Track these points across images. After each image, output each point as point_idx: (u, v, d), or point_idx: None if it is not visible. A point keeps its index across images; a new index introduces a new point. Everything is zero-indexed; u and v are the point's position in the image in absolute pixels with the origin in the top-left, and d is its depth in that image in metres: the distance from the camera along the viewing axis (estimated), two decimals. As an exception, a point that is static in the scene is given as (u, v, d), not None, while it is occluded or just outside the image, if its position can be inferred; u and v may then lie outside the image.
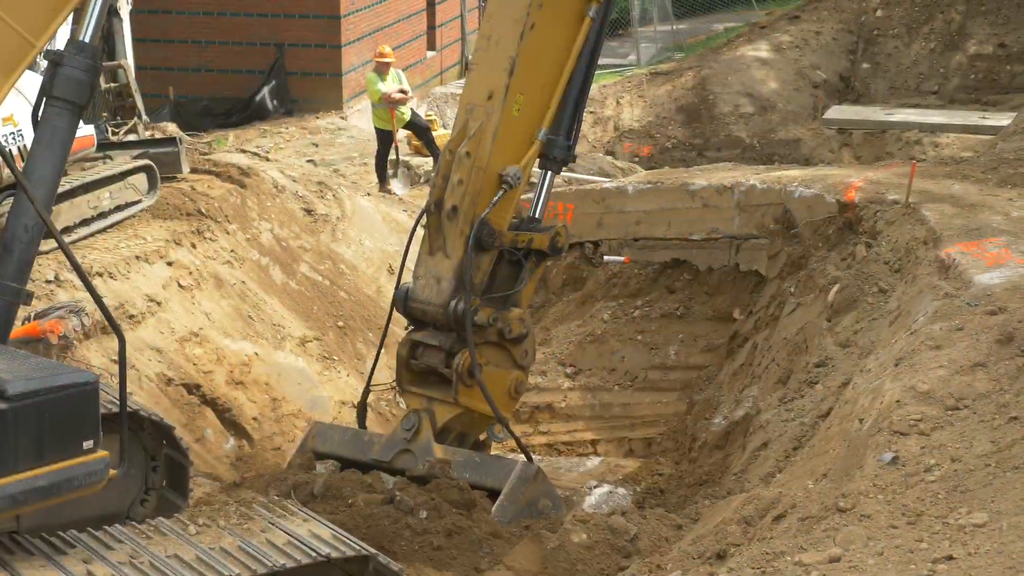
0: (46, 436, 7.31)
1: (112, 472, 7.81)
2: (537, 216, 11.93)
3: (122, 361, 7.93)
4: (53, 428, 7.34)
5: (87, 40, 8.68)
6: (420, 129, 19.42)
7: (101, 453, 7.61)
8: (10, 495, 7.20)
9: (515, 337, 11.68)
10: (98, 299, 8.03)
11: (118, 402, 9.64)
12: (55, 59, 8.48)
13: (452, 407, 11.44)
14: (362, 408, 12.56)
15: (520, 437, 12.23)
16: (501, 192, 11.34)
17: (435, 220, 11.43)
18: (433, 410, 11.47)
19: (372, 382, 12.55)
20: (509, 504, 10.86)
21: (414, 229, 12.19)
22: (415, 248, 12.04)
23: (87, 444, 7.51)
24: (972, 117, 20.84)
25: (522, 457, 11.84)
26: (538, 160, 11.83)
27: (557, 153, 11.74)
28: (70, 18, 15.04)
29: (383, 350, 12.87)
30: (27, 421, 7.21)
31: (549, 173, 11.97)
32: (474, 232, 11.19)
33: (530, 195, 12.40)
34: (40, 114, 8.55)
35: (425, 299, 11.52)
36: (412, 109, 19.32)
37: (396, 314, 12.09)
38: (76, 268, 7.97)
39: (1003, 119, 19.71)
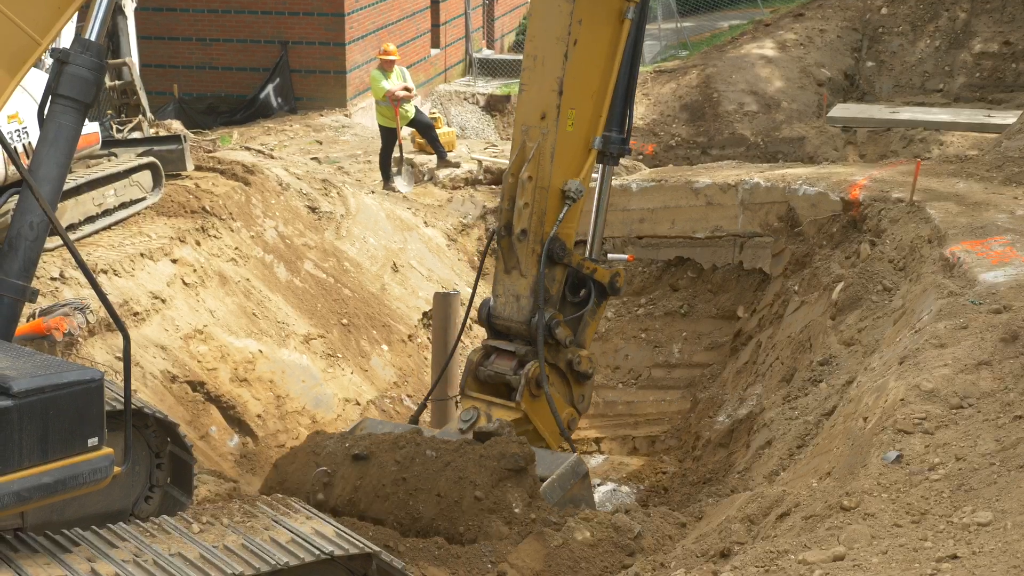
0: (51, 433, 7.33)
1: (117, 469, 7.82)
2: (599, 206, 12.39)
3: (127, 359, 7.92)
4: (58, 425, 7.34)
5: (93, 38, 8.69)
6: (423, 127, 19.43)
7: (106, 450, 7.62)
8: (15, 492, 7.21)
9: (581, 372, 12.20)
10: (103, 296, 8.03)
11: (123, 399, 9.66)
12: (61, 57, 8.47)
13: (512, 411, 11.71)
14: (420, 408, 13.20)
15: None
16: (566, 207, 11.79)
17: (506, 242, 11.86)
18: (491, 412, 11.77)
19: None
20: (559, 487, 11.02)
21: (485, 252, 13.16)
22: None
23: (92, 441, 7.52)
24: (977, 115, 20.82)
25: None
26: None
27: (612, 148, 12.05)
28: (75, 16, 15.10)
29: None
30: (32, 418, 7.22)
31: (607, 168, 12.31)
32: (546, 249, 11.70)
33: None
34: (46, 112, 8.57)
35: (507, 316, 12.03)
36: (416, 107, 19.32)
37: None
38: (81, 266, 7.96)
39: (1008, 117, 19.69)
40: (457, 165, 19.34)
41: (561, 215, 11.78)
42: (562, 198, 11.78)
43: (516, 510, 10.61)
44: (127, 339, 7.86)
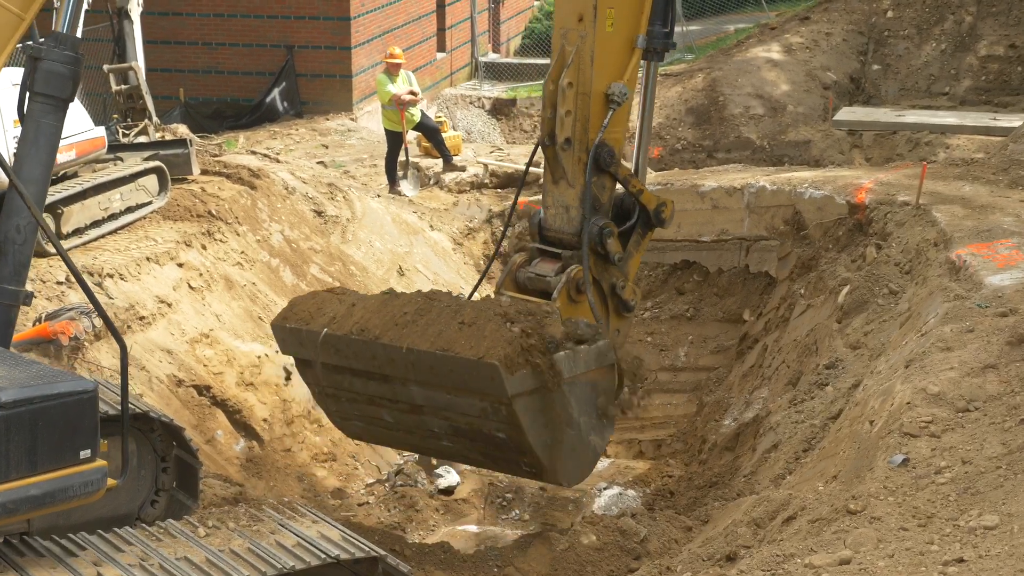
0: (40, 444, 7.14)
1: (112, 482, 7.66)
2: (645, 111, 11.93)
3: (124, 368, 7.75)
4: (48, 436, 7.17)
5: (65, 30, 8.49)
6: (429, 131, 19.43)
7: (99, 463, 7.45)
8: (1, 504, 7.06)
9: (624, 301, 11.70)
10: (94, 300, 7.78)
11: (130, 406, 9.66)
12: (33, 54, 8.24)
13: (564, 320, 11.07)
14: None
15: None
16: (610, 112, 11.28)
17: (551, 152, 11.40)
18: None
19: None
20: (577, 361, 10.53)
21: (527, 168, 12.58)
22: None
23: (84, 453, 7.35)
24: (983, 118, 20.78)
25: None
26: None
27: (656, 44, 11.53)
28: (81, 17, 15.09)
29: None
30: (20, 429, 7.05)
31: (652, 66, 11.80)
32: (592, 156, 11.22)
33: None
34: (25, 109, 8.33)
35: (558, 228, 11.57)
36: (422, 111, 19.32)
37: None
38: (70, 266, 7.67)
39: (1014, 120, 19.67)
40: (463, 169, 19.35)
41: (606, 120, 11.28)
42: (605, 103, 11.29)
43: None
44: (124, 349, 7.71)
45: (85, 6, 15.15)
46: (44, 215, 13.32)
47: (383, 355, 10.58)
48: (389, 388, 10.88)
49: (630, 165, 11.97)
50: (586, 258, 11.30)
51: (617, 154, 11.45)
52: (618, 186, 11.77)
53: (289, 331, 11.40)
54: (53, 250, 13.45)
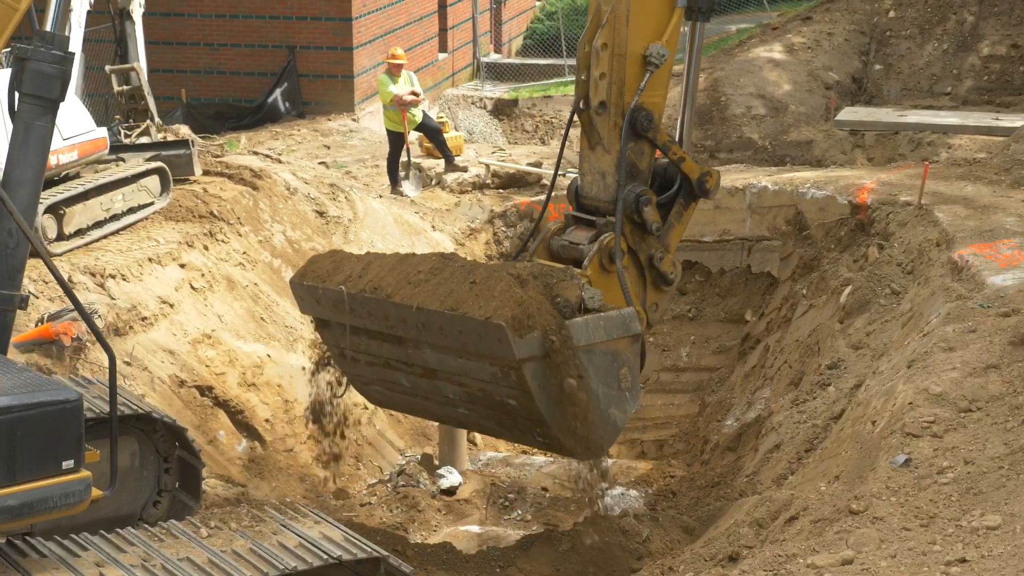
0: (19, 454, 6.98)
1: (97, 493, 7.52)
2: (690, 76, 11.44)
3: (112, 378, 7.61)
4: (28, 446, 7.01)
5: (53, 29, 8.35)
6: (431, 131, 19.43)
7: (83, 474, 7.29)
8: None
9: (662, 273, 11.16)
10: (80, 308, 7.71)
11: (128, 406, 9.67)
12: (20, 54, 8.14)
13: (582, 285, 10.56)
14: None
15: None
16: (648, 74, 10.74)
17: (586, 117, 10.90)
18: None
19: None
20: (598, 327, 10.03)
21: (567, 129, 12.02)
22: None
23: (67, 464, 7.18)
24: (985, 118, 20.76)
25: None
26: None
27: (700, 3, 11.06)
28: (83, 19, 15.12)
29: None
30: None
31: (698, 27, 11.31)
32: (627, 120, 10.70)
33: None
34: (15, 110, 8.20)
35: (594, 195, 11.08)
36: (423, 111, 19.32)
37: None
38: (53, 271, 7.60)
39: (1017, 120, 19.65)
40: (465, 169, 19.35)
41: (643, 83, 10.69)
42: (643, 65, 10.71)
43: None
44: (112, 359, 7.57)
45: (87, 7, 15.22)
46: (46, 216, 13.39)
47: (395, 315, 10.25)
48: (403, 351, 10.55)
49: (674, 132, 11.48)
50: (619, 226, 10.76)
51: (656, 119, 10.92)
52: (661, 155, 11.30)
53: (306, 289, 11.13)
54: (55, 251, 13.47)
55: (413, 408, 11.81)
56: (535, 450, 15.18)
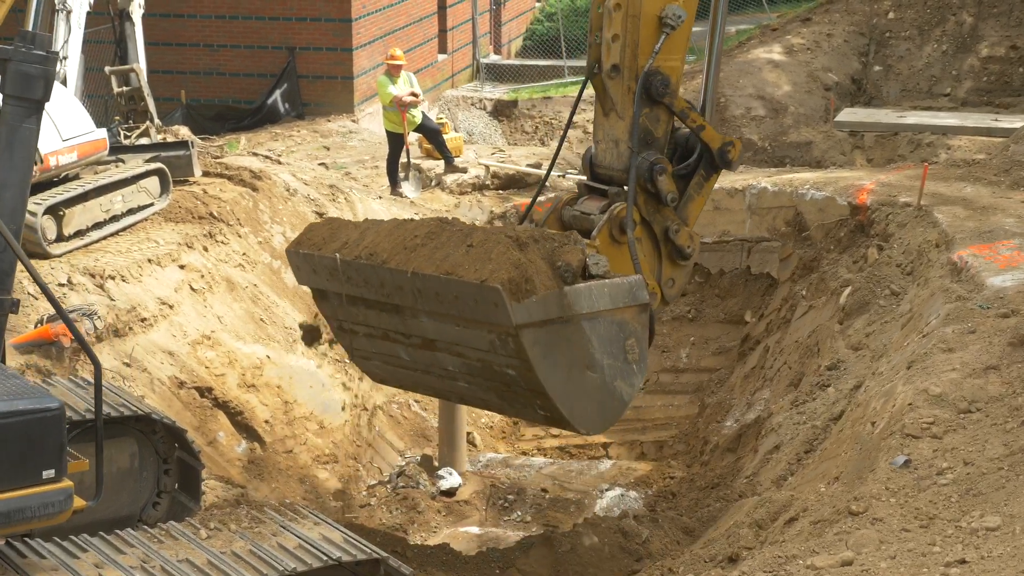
0: None
1: (80, 504, 7.38)
2: (714, 43, 11.01)
3: (97, 388, 7.48)
4: (6, 454, 6.88)
5: (35, 28, 8.21)
6: (430, 132, 19.42)
7: (64, 484, 7.16)
8: None
9: (678, 247, 10.65)
10: (64, 315, 7.63)
11: (128, 407, 9.66)
12: (2, 55, 8.02)
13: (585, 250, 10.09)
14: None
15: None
16: (663, 36, 10.22)
17: (599, 81, 10.45)
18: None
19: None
20: (602, 295, 9.55)
21: (579, 96, 11.41)
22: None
23: (47, 473, 7.04)
24: (985, 119, 20.77)
25: None
26: None
27: None
28: (82, 20, 15.12)
29: None
30: None
31: None
32: (641, 84, 10.17)
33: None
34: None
35: (608, 164, 10.60)
36: (423, 112, 19.32)
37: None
38: (35, 278, 7.48)
39: (1016, 121, 19.66)
40: (464, 170, 19.35)
41: (657, 46, 10.16)
42: (659, 27, 10.22)
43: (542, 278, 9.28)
44: (98, 367, 7.47)
45: (87, 8, 15.22)
46: (45, 217, 13.39)
47: (391, 281, 9.85)
48: (401, 320, 10.15)
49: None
50: (632, 195, 10.21)
51: (674, 84, 10.38)
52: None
53: (302, 257, 10.76)
54: (54, 252, 13.47)
55: (414, 383, 11.34)
56: (535, 451, 15.18)
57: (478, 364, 9.96)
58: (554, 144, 24.04)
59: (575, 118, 25.77)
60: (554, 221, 10.71)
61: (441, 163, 19.61)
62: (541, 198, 17.77)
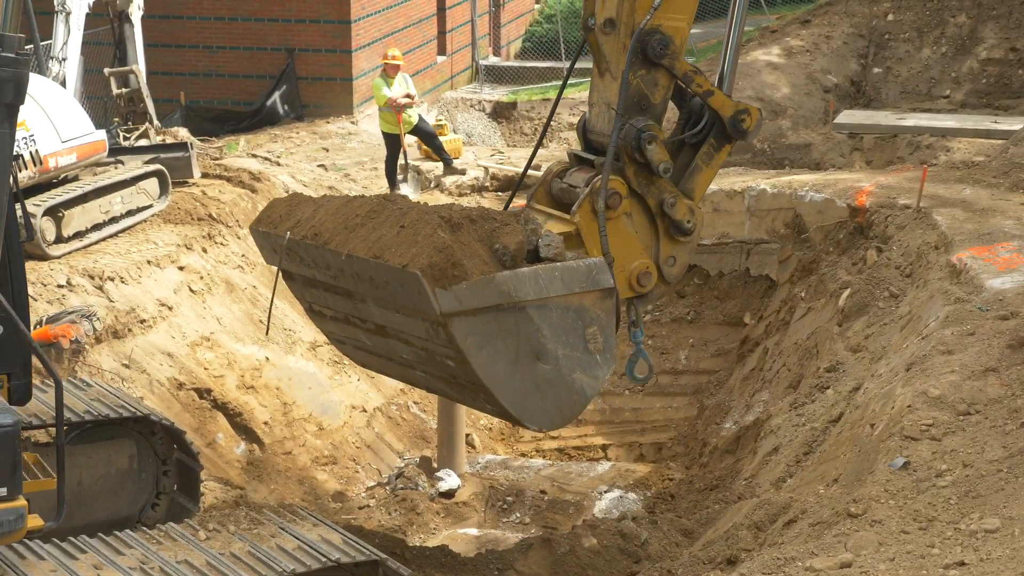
0: None
1: (36, 523, 7.14)
2: (738, 6, 9.93)
3: (59, 408, 7.19)
4: None
5: (4, 29, 8.03)
6: (426, 135, 19.36)
7: (17, 502, 6.92)
8: None
9: (676, 222, 9.70)
10: (24, 334, 7.45)
11: (127, 408, 9.67)
12: None
13: (565, 224, 9.40)
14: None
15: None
16: None
17: (593, 39, 9.50)
18: (543, 223, 9.40)
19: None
20: (549, 279, 8.72)
21: (573, 63, 10.57)
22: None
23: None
24: (984, 121, 20.76)
25: None
26: None
27: None
28: (82, 22, 15.12)
29: None
30: None
31: None
32: (635, 41, 9.20)
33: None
34: None
35: (599, 130, 9.68)
36: (420, 115, 19.31)
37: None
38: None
39: (1015, 123, 19.65)
40: (463, 172, 19.35)
41: (657, 1, 9.22)
42: None
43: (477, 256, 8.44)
44: (59, 387, 7.22)
45: (86, 10, 15.23)
46: (44, 219, 13.40)
47: (334, 264, 9.13)
48: (352, 305, 9.42)
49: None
50: (609, 162, 9.26)
51: (675, 46, 9.39)
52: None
53: (262, 236, 10.09)
54: (53, 253, 13.48)
55: (383, 369, 10.59)
56: (534, 453, 15.19)
57: (423, 352, 9.21)
58: (554, 146, 24.05)
59: (574, 120, 25.74)
60: (543, 195, 9.86)
61: (440, 165, 19.61)
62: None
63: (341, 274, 9.15)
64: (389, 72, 18.76)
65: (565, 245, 9.07)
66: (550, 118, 11.60)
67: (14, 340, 7.58)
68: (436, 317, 8.38)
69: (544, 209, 9.70)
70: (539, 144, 11.18)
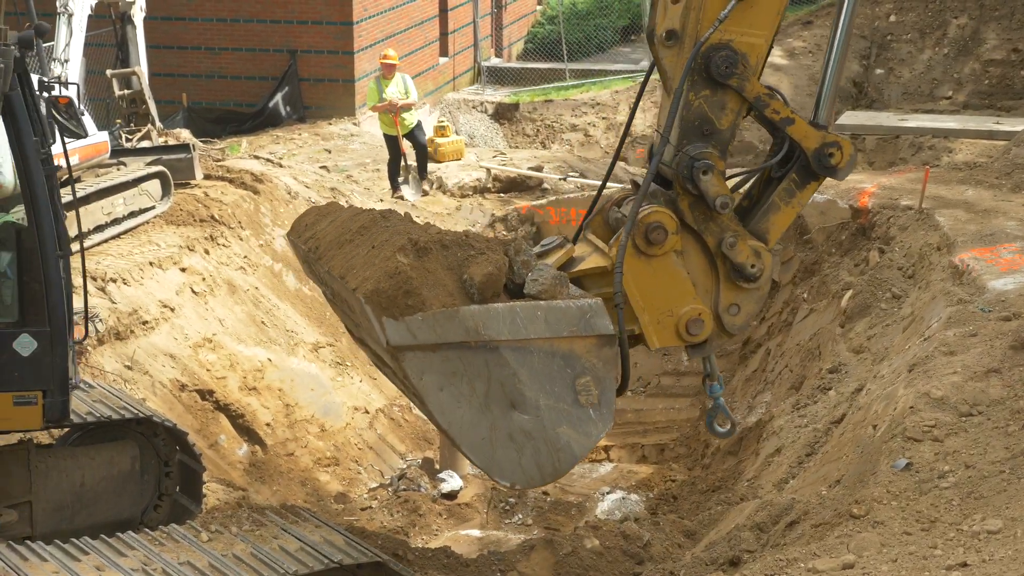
0: None
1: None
2: (841, 30, 8.54)
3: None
4: None
5: None
6: (418, 146, 19.26)
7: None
8: None
9: (738, 266, 8.29)
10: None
11: (128, 410, 9.67)
12: None
13: (602, 257, 8.33)
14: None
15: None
16: (732, 2, 7.97)
17: (656, 53, 8.37)
18: (581, 253, 8.53)
19: None
20: (530, 319, 7.62)
21: (650, 71, 9.01)
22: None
23: None
24: (986, 122, 20.77)
25: None
26: None
27: None
28: (84, 23, 15.11)
29: None
30: None
31: None
32: (693, 56, 8.03)
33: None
34: None
35: (666, 160, 8.45)
36: (419, 121, 19.27)
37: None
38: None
39: (1017, 124, 19.66)
40: (425, 193, 19.10)
41: (724, 11, 7.93)
42: None
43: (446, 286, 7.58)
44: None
45: (88, 11, 15.23)
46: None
47: (327, 279, 8.45)
48: (353, 322, 8.74)
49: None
50: (644, 190, 8.14)
51: (746, 66, 8.15)
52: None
53: (291, 243, 9.45)
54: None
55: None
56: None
57: (400, 385, 8.51)
58: (556, 147, 24.03)
59: (576, 121, 25.70)
60: (600, 224, 8.75)
61: (440, 166, 19.65)
62: (542, 200, 17.83)
63: (331, 291, 8.63)
64: (385, 72, 18.77)
65: (603, 282, 8.15)
66: (626, 132, 10.53)
67: (49, 356, 7.52)
68: (387, 347, 7.48)
69: (594, 240, 8.65)
70: (615, 160, 10.20)
